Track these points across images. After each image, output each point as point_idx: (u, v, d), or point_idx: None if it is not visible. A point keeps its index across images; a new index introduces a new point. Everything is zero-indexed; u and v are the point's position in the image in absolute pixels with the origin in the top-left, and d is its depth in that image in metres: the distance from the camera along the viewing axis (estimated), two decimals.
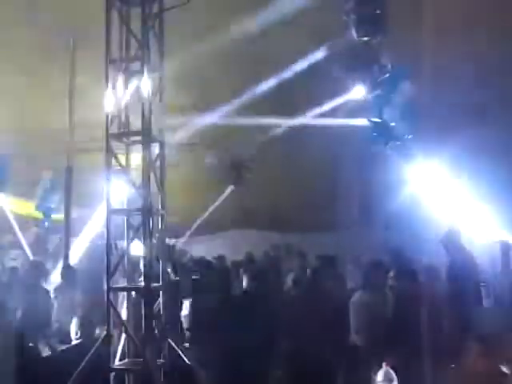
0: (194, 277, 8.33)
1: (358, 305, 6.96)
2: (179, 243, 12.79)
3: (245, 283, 7.58)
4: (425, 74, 7.76)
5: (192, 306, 7.17)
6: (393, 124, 8.02)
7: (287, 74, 8.52)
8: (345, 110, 9.45)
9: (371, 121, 8.31)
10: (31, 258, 11.29)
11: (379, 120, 8.13)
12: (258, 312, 6.94)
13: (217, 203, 13.66)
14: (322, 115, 9.84)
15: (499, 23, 7.35)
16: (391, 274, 7.72)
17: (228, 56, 8.45)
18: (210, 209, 13.81)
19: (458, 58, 7.83)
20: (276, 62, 8.38)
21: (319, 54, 7.97)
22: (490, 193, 9.03)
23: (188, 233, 13.55)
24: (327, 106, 9.60)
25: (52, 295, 8.44)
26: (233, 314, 7.12)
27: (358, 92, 8.36)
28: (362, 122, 8.73)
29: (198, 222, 14.01)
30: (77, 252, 9.90)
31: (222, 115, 9.37)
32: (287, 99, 9.52)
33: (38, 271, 8.59)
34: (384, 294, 7.37)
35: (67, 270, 8.94)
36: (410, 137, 7.94)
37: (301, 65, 8.27)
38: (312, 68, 8.23)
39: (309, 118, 10.02)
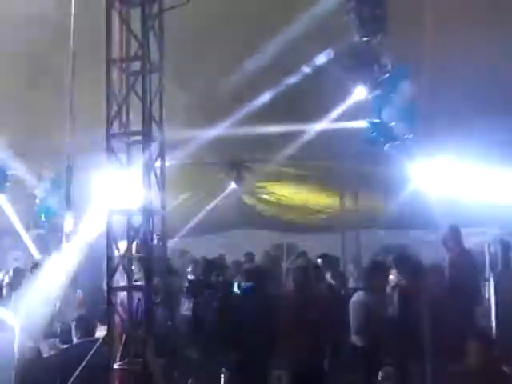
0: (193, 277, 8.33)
1: (358, 305, 6.96)
2: (174, 243, 12.74)
3: (246, 283, 7.59)
4: (425, 73, 7.75)
5: (194, 305, 7.18)
6: (392, 124, 8.02)
7: (293, 79, 8.51)
8: (347, 111, 9.45)
9: (370, 121, 8.32)
10: (37, 257, 11.29)
11: (378, 120, 8.13)
12: (259, 312, 6.95)
13: (215, 202, 13.65)
14: (328, 120, 9.85)
15: (500, 23, 7.35)
16: (393, 273, 7.73)
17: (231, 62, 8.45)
18: (208, 208, 13.80)
19: (458, 57, 7.81)
20: (282, 68, 8.36)
21: (324, 58, 7.97)
22: (490, 191, 9.03)
23: (181, 233, 13.48)
24: (335, 113, 9.59)
25: (53, 295, 8.45)
26: (233, 313, 7.14)
27: (360, 93, 8.36)
28: (363, 123, 8.74)
29: (194, 222, 13.98)
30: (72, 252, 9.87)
31: (228, 125, 9.38)
32: (292, 105, 9.51)
33: (40, 271, 8.60)
34: (384, 293, 7.38)
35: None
36: (410, 136, 7.94)
37: (306, 69, 8.26)
38: (317, 72, 8.22)
39: (315, 125, 10.06)
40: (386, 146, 8.27)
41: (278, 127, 9.91)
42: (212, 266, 8.95)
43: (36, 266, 9.01)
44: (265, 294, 7.38)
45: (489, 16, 7.28)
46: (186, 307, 7.24)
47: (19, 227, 12.85)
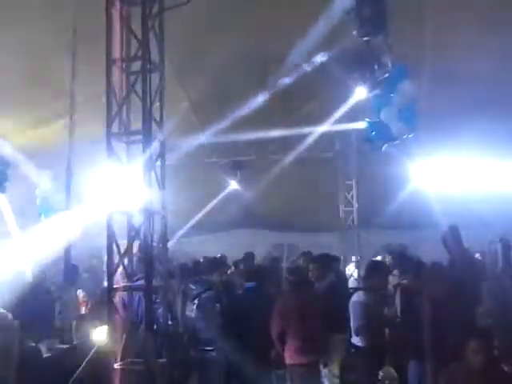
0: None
1: (358, 305, 6.95)
2: (174, 243, 12.71)
3: (248, 283, 7.57)
4: (425, 73, 7.76)
5: (196, 307, 7.16)
6: (392, 123, 8.03)
7: (293, 79, 8.51)
8: (348, 111, 9.46)
9: (369, 121, 8.33)
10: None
11: (377, 120, 8.13)
12: (260, 311, 6.95)
13: (214, 202, 13.64)
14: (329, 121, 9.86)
15: (500, 22, 7.36)
16: (394, 272, 7.72)
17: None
18: (207, 208, 13.78)
19: (457, 56, 7.83)
20: (281, 66, 8.36)
21: (324, 58, 7.97)
22: (490, 190, 9.04)
23: (180, 233, 13.44)
24: (337, 114, 9.58)
25: (54, 295, 8.47)
26: (234, 313, 7.13)
27: (361, 93, 8.37)
28: (363, 124, 8.76)
29: (193, 221, 13.94)
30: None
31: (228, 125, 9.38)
32: (292, 105, 9.52)
33: (41, 271, 8.62)
34: (384, 293, 7.38)
35: (69, 269, 8.95)
36: (410, 136, 7.94)
37: (306, 68, 8.26)
38: (317, 72, 8.22)
39: (315, 127, 10.08)
40: (385, 145, 8.28)
41: (279, 129, 9.91)
42: (213, 265, 8.92)
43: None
44: (267, 293, 7.38)
45: (489, 16, 7.29)
46: (189, 308, 7.20)
47: (15, 227, 12.83)
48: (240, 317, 6.98)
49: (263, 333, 6.78)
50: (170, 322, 6.01)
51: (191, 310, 7.15)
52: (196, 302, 7.10)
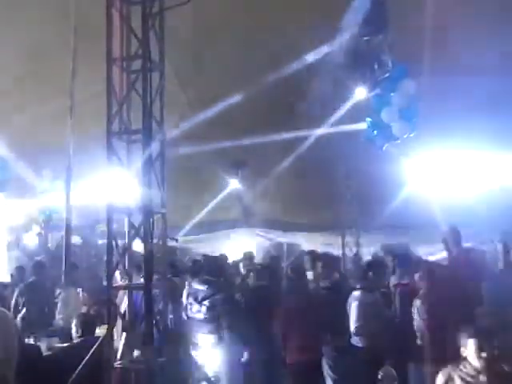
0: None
1: (357, 305, 6.94)
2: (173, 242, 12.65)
3: (250, 283, 7.57)
4: (425, 71, 7.76)
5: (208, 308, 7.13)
6: (393, 123, 8.03)
7: (293, 78, 8.51)
8: (348, 111, 9.46)
9: (370, 121, 8.33)
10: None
11: (378, 119, 8.14)
12: (260, 311, 6.96)
13: (214, 202, 13.62)
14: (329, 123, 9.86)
15: (500, 21, 7.36)
16: (396, 273, 7.71)
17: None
18: (209, 207, 13.76)
19: (458, 55, 7.83)
20: (281, 66, 8.36)
21: (324, 57, 7.97)
22: (490, 190, 9.03)
23: (181, 232, 13.40)
24: (337, 114, 9.58)
25: (55, 294, 8.47)
26: (235, 313, 7.13)
27: (361, 93, 8.36)
28: (363, 124, 8.76)
29: (194, 221, 13.94)
30: None
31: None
32: (292, 104, 9.51)
33: (41, 271, 8.63)
34: (383, 293, 7.37)
35: (69, 268, 8.95)
36: (411, 135, 7.94)
37: (306, 68, 8.26)
38: (317, 72, 8.22)
39: (316, 127, 10.07)
40: (386, 145, 8.28)
41: (279, 128, 9.90)
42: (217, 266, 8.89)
43: (37, 264, 9.02)
44: (267, 293, 7.39)
45: (489, 15, 7.30)
46: (195, 309, 7.13)
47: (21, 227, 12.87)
48: (250, 317, 7.00)
49: (270, 332, 6.80)
50: (171, 316, 6.00)
51: (198, 310, 7.08)
52: (207, 303, 7.02)
